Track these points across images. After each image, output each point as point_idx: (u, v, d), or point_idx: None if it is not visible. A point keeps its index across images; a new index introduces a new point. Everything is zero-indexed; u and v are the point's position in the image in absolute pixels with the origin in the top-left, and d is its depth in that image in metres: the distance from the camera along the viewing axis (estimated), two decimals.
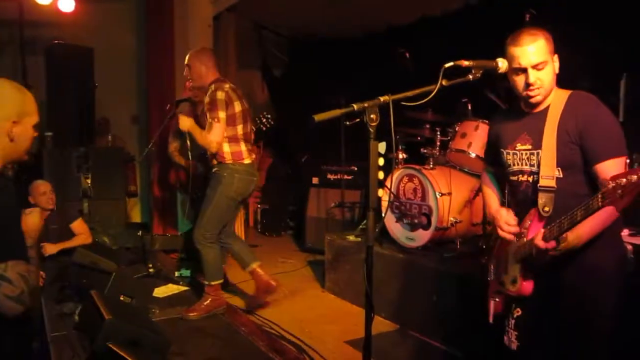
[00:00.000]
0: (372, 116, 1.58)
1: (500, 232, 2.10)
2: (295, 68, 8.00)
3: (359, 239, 4.60)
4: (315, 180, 6.20)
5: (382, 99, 1.61)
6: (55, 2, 5.56)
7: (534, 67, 1.91)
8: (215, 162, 3.77)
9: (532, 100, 1.97)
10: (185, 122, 3.63)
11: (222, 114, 3.59)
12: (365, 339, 1.66)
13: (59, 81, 5.41)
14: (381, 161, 3.74)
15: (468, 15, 5.28)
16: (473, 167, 4.17)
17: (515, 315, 2.09)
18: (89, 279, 3.92)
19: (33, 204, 4.46)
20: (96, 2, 6.18)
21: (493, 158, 2.29)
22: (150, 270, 4.64)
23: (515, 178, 2.10)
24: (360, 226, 4.91)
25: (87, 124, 5.64)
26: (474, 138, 3.94)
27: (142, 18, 6.94)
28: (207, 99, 3.65)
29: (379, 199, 3.87)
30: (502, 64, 1.96)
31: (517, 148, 2.07)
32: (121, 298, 3.49)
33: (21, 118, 1.73)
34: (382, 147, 3.89)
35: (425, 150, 4.30)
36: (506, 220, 2.08)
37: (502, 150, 2.15)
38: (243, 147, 3.76)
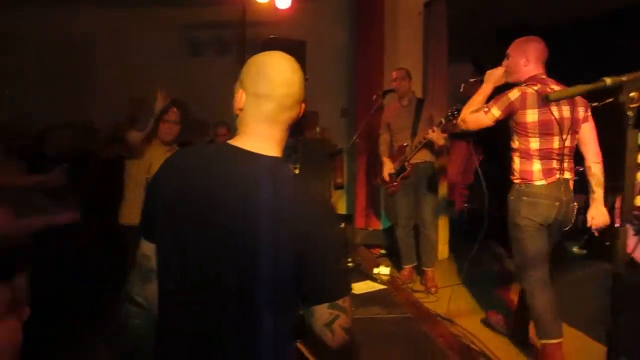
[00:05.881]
0: (631, 95, 1.13)
1: None
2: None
3: (584, 252, 3.96)
4: None
5: None
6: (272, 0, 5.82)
7: None
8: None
9: None
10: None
11: (495, 111, 3.09)
12: None
13: None
14: None
15: None
16: None
17: None
18: None
19: None
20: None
21: None
22: (350, 264, 4.57)
23: None
24: (586, 236, 4.20)
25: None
26: None
27: (354, 12, 6.97)
28: None
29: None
30: None
31: None
32: None
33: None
34: None
35: None
36: None
37: None
38: (537, 165, 3.07)
